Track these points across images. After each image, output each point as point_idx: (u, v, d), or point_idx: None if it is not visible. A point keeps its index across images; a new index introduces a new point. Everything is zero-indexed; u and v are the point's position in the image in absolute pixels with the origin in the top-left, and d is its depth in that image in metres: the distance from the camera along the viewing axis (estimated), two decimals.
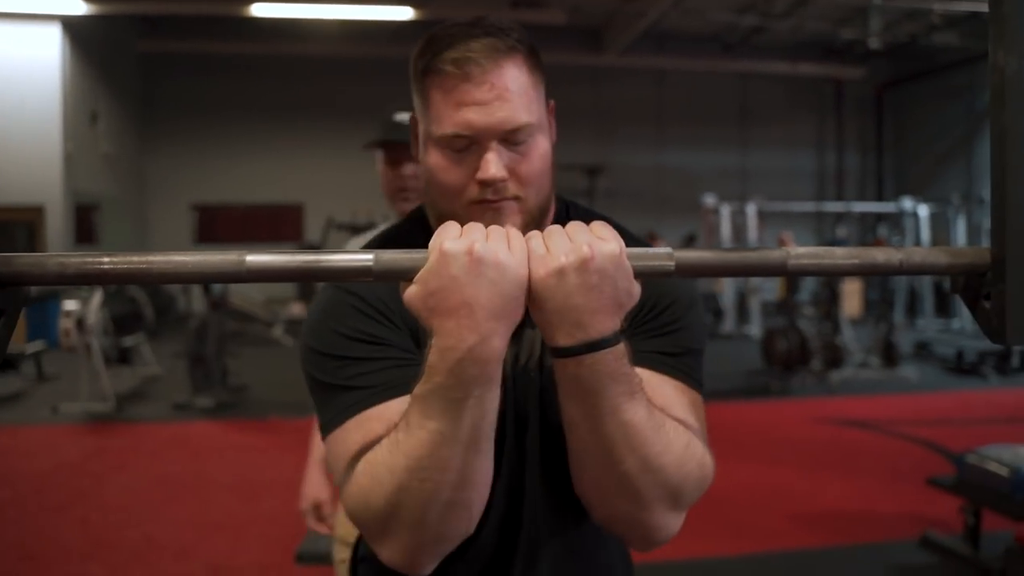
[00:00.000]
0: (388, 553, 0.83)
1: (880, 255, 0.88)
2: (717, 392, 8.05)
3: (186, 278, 0.82)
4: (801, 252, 0.85)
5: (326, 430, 0.93)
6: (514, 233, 0.80)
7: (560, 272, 0.77)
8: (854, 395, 7.88)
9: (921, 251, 0.89)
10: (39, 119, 10.70)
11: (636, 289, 0.81)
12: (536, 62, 0.96)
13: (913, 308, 14.08)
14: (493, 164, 0.88)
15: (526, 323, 1.00)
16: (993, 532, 3.72)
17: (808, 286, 10.73)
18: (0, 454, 5.74)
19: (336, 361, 0.94)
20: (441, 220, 0.83)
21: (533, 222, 0.95)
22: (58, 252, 0.84)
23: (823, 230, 17.17)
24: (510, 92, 0.91)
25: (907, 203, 13.77)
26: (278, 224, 15.03)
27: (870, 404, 7.45)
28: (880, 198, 17.24)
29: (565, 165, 15.23)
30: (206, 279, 0.83)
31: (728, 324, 12.80)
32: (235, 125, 15.04)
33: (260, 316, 11.95)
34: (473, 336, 0.75)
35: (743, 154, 17.23)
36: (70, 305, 7.08)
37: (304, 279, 0.82)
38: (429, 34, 0.95)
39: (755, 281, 12.82)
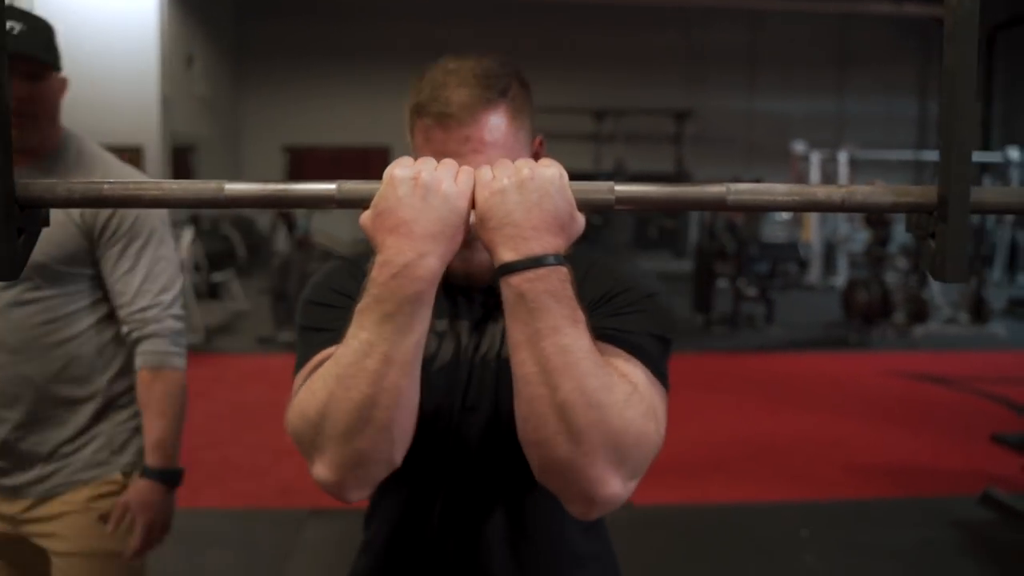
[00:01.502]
0: (318, 470, 0.88)
1: (821, 192, 0.90)
2: (791, 343, 7.96)
3: (173, 203, 0.92)
4: (741, 188, 0.88)
5: (296, 369, 1.01)
6: (464, 168, 0.86)
7: (502, 191, 0.82)
8: (937, 350, 7.64)
9: (865, 189, 0.91)
10: (137, 63, 11.10)
11: (580, 218, 0.86)
12: (521, 104, 1.02)
13: (1015, 264, 13.44)
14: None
15: (489, 317, 1.06)
16: None
17: (899, 237, 10.33)
18: None
19: (320, 309, 1.05)
20: None
21: None
22: (68, 180, 0.95)
23: (922, 180, 16.46)
24: (484, 144, 0.97)
25: (1014, 153, 13.05)
26: (366, 166, 15.29)
27: (952, 360, 7.23)
28: (986, 147, 16.37)
29: (651, 110, 15.02)
30: (190, 204, 0.92)
31: (814, 275, 12.50)
32: (327, 67, 15.31)
33: (344, 256, 12.26)
34: (411, 253, 0.81)
35: (839, 100, 16.56)
36: None
37: (275, 205, 0.91)
38: (423, 73, 1.02)
39: (844, 230, 12.46)
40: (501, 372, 1.02)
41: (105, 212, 1.53)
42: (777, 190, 0.89)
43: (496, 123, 0.99)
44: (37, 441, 1.58)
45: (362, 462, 0.86)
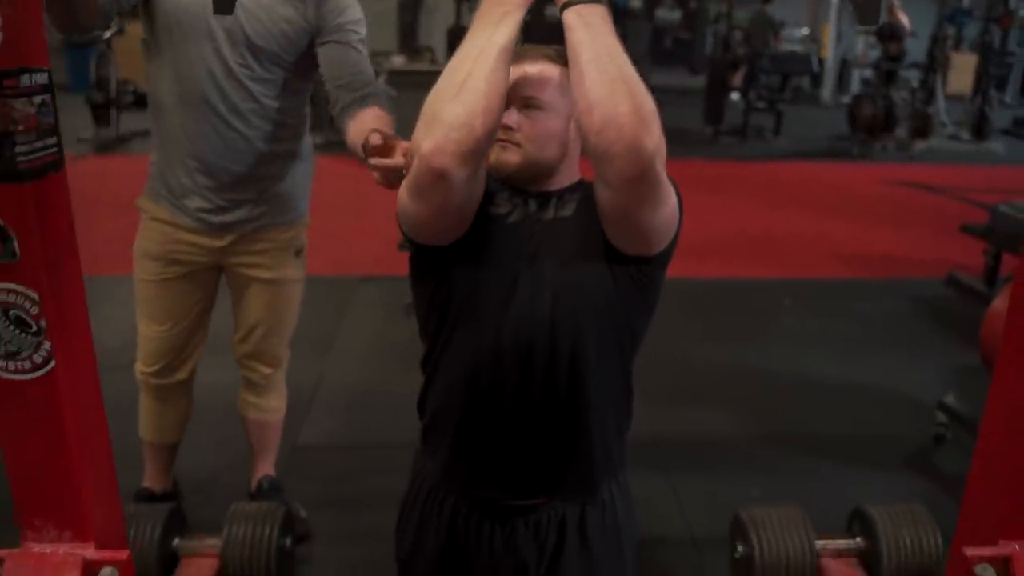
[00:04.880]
0: (426, 144, 1.09)
1: None
2: (796, 153, 8.35)
3: None
4: None
5: None
6: None
7: None
8: (935, 163, 8.02)
9: None
10: None
11: None
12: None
13: None
14: (508, 115, 1.24)
15: (547, 202, 1.29)
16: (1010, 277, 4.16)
17: (913, 55, 10.38)
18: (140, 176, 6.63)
19: None
20: None
21: (530, 168, 1.25)
22: None
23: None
24: (536, 78, 1.25)
25: None
26: None
27: (947, 172, 7.63)
28: None
29: None
30: None
31: (826, 93, 12.65)
32: None
33: None
34: None
35: None
36: None
37: None
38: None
39: (860, 48, 12.48)
40: (559, 228, 1.25)
41: (331, 8, 1.89)
42: None
43: (552, 74, 1.27)
44: (246, 188, 1.99)
45: (453, 127, 1.08)
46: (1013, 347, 1.14)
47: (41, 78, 0.95)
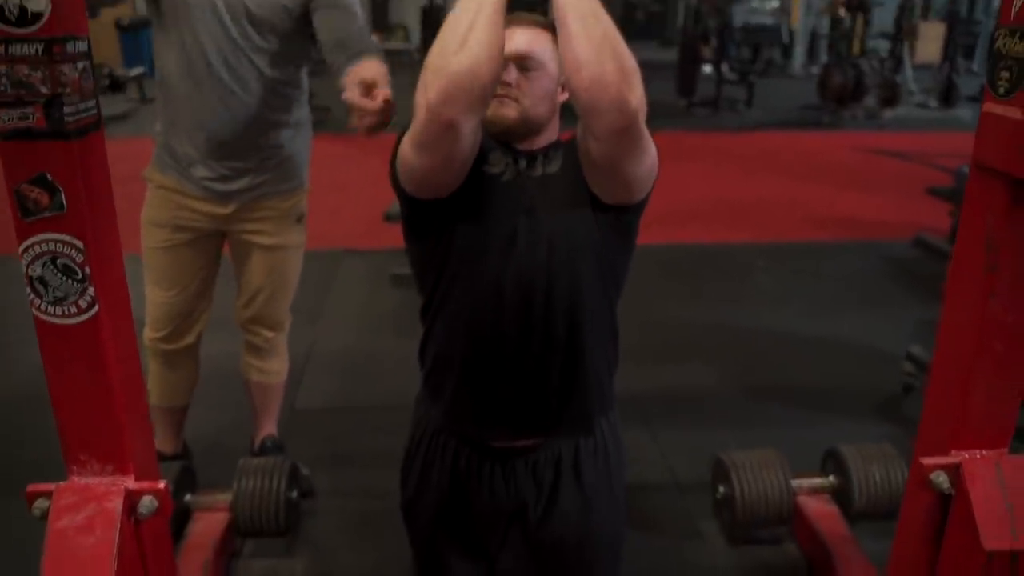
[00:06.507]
0: (434, 95, 1.15)
1: None
2: (767, 123, 8.49)
3: None
4: None
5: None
6: None
7: None
8: (903, 131, 8.19)
9: None
10: None
11: None
12: None
13: None
14: (507, 72, 1.32)
15: (535, 160, 1.37)
16: None
17: (881, 23, 10.49)
18: (118, 159, 6.64)
19: None
20: None
21: (525, 123, 1.34)
22: None
23: None
24: (530, 40, 1.33)
25: None
26: None
27: (915, 139, 7.79)
28: None
29: None
30: None
31: (797, 64, 12.80)
32: None
33: None
34: None
35: None
36: None
37: None
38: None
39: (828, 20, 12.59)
40: (548, 183, 1.35)
41: None
42: None
43: (544, 37, 1.34)
44: (250, 156, 2.08)
45: (455, 76, 1.14)
46: (959, 275, 1.27)
47: (83, 45, 1.04)
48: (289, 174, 2.19)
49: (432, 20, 9.58)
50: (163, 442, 2.38)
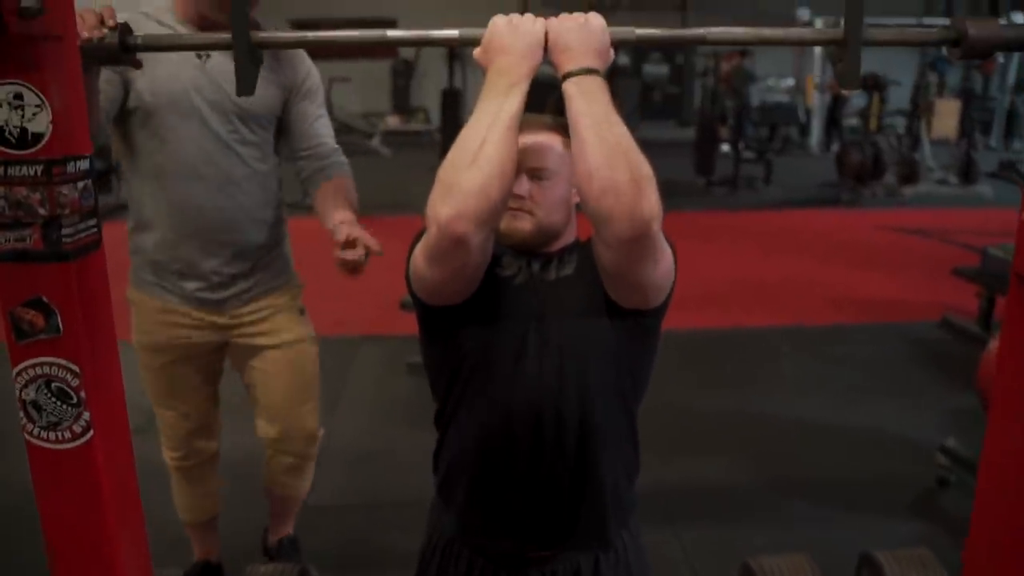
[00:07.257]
0: (444, 211, 1.13)
1: (767, 32, 1.41)
2: (787, 201, 8.48)
3: (354, 49, 1.43)
4: (715, 31, 1.39)
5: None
6: (539, 18, 1.35)
7: (567, 30, 1.27)
8: (924, 208, 8.15)
9: (798, 30, 1.43)
10: None
11: (612, 52, 1.36)
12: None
13: (1011, 131, 13.73)
14: (518, 184, 1.32)
15: (549, 263, 1.36)
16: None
17: (897, 101, 10.55)
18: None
19: None
20: None
21: (541, 234, 1.33)
22: (284, 32, 1.45)
23: (925, 49, 16.40)
24: (543, 148, 1.33)
25: (1019, 18, 13.14)
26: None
27: (937, 216, 7.75)
28: (994, 13, 16.28)
29: None
30: (359, 41, 1.42)
31: (814, 142, 12.87)
32: None
33: (359, 128, 12.66)
34: (512, 59, 1.24)
35: None
36: None
37: (423, 44, 1.42)
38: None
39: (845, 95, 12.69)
40: (561, 287, 1.33)
41: (302, 73, 1.99)
42: (737, 31, 1.40)
43: (554, 141, 1.35)
44: (244, 259, 1.99)
45: (469, 195, 1.13)
46: (1005, 390, 1.20)
47: (84, 164, 1.02)
48: (279, 271, 2.11)
49: (451, 102, 9.75)
50: (205, 552, 2.35)
